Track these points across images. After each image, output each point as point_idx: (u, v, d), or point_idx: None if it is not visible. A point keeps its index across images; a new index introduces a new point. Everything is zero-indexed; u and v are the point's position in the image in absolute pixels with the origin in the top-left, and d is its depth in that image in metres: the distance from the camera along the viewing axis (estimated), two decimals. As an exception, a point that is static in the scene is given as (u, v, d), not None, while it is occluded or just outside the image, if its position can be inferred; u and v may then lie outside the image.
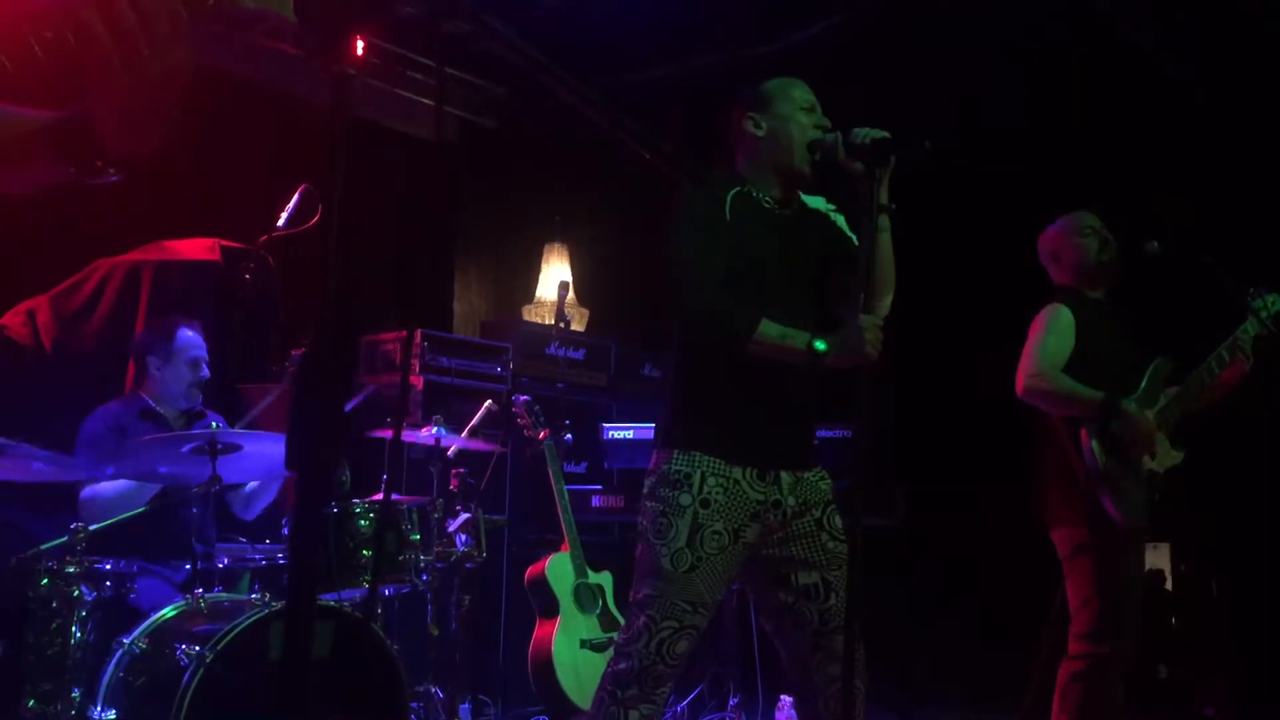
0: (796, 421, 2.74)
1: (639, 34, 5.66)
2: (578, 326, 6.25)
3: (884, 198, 2.64)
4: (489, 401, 4.62)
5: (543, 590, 4.52)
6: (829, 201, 2.92)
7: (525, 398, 4.80)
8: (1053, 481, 3.53)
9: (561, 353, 5.75)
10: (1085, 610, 3.39)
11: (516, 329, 5.77)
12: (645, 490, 2.66)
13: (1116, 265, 3.60)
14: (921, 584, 6.03)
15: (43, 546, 3.22)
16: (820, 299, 2.81)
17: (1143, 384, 3.45)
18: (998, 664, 5.49)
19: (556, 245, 6.69)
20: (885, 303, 2.73)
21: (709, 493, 2.56)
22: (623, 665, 2.53)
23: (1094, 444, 3.34)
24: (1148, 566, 5.47)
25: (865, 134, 2.64)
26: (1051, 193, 4.30)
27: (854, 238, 2.82)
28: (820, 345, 2.53)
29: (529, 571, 4.59)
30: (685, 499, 2.56)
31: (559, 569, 4.54)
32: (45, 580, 3.05)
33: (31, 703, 2.98)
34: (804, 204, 2.87)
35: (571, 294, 6.24)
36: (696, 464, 2.58)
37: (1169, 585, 5.50)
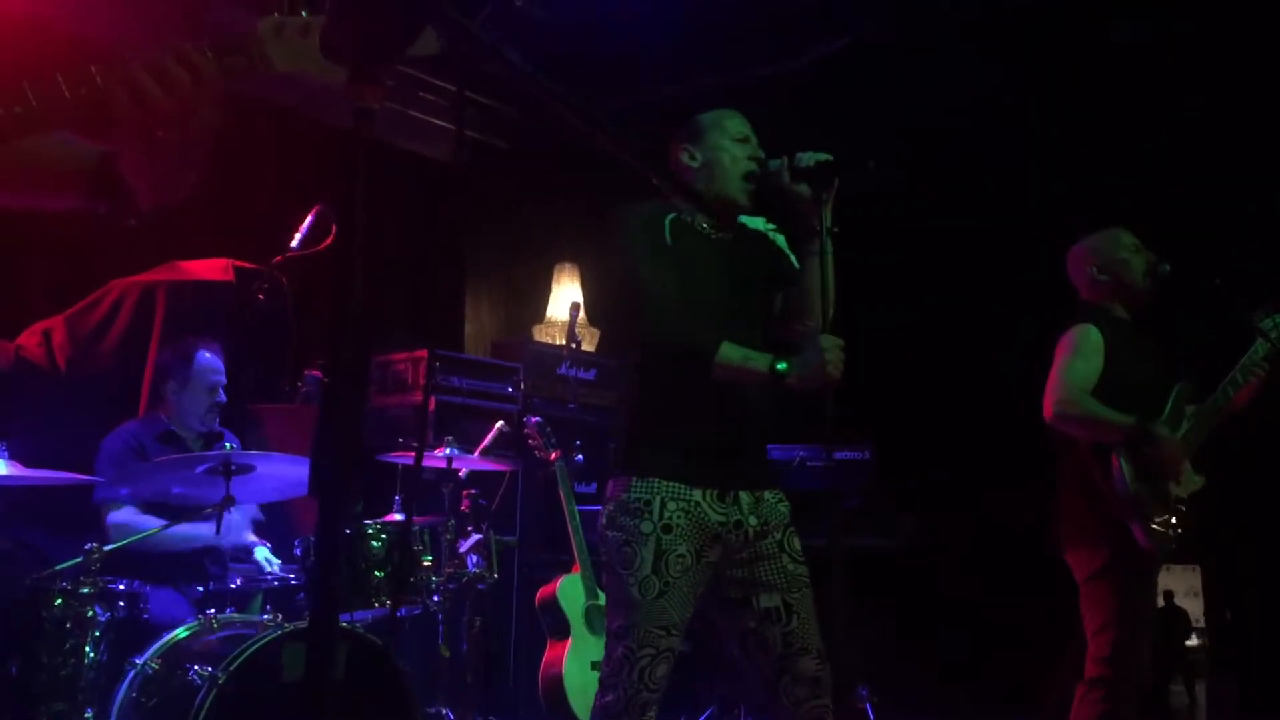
0: (753, 442, 2.74)
1: (652, 52, 5.69)
2: (589, 347, 6.25)
3: (829, 220, 2.65)
4: (500, 422, 4.62)
5: (554, 611, 4.51)
6: (769, 222, 2.91)
7: (537, 418, 4.80)
8: (1071, 503, 3.48)
9: (573, 373, 5.75)
10: (1103, 635, 3.35)
11: (528, 349, 5.78)
12: (604, 520, 2.64)
13: (1157, 287, 3.53)
14: (929, 606, 6.01)
15: (58, 567, 3.23)
16: (764, 319, 2.82)
17: (1168, 407, 3.42)
18: (1008, 685, 5.46)
19: (567, 266, 6.70)
20: (819, 323, 2.71)
21: (670, 518, 2.55)
22: (610, 698, 2.53)
23: (1125, 469, 3.29)
24: (1164, 587, 5.49)
25: (809, 157, 2.65)
26: (1062, 215, 4.30)
27: (794, 257, 2.83)
28: (782, 366, 2.53)
29: (540, 593, 4.59)
30: (647, 526, 2.54)
31: (570, 590, 4.53)
32: (60, 600, 3.06)
33: (45, 723, 2.99)
34: (742, 226, 2.87)
35: (583, 314, 6.25)
36: (655, 490, 2.57)
37: (1193, 606, 5.48)
